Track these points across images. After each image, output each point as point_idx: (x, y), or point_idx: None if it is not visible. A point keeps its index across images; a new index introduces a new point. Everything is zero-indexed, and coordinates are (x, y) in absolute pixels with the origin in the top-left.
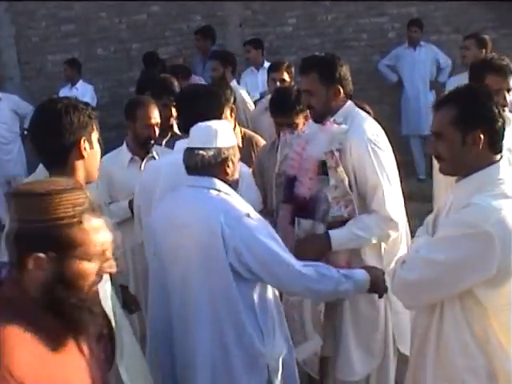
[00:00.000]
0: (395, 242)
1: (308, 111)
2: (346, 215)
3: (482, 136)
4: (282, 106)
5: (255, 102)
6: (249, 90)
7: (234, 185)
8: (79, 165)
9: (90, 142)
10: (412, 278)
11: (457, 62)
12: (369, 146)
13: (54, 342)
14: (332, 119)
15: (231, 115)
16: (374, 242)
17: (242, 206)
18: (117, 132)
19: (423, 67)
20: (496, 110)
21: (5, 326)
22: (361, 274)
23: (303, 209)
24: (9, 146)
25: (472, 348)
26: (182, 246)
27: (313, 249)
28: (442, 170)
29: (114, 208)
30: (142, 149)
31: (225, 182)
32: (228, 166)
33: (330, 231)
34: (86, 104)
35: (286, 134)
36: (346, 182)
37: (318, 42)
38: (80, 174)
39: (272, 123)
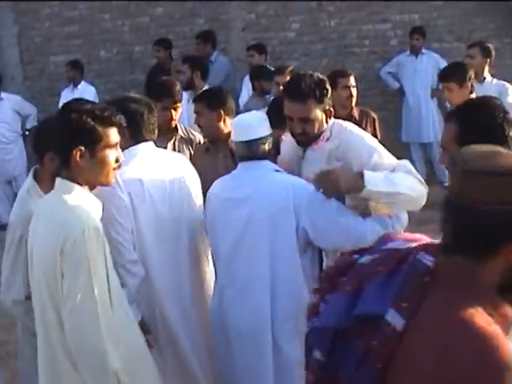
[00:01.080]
0: None
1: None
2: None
3: None
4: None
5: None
6: (250, 94)
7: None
8: (79, 172)
9: (92, 153)
10: None
11: None
12: (365, 140)
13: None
14: (321, 137)
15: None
16: (408, 193)
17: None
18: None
19: (425, 75)
20: (502, 125)
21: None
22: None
23: None
24: (10, 145)
25: None
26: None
27: (344, 179)
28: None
29: None
30: None
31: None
32: (271, 149)
33: (365, 170)
34: (105, 111)
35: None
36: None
37: (320, 47)
38: (81, 180)
39: None
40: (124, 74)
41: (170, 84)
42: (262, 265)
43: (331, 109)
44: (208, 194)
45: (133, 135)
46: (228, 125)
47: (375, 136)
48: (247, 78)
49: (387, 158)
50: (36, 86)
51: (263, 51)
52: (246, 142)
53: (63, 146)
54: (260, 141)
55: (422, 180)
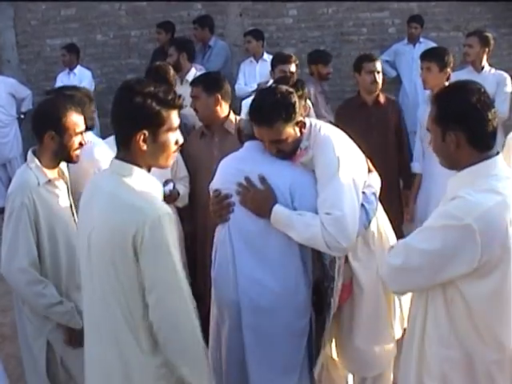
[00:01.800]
0: (383, 236)
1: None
2: None
3: (458, 134)
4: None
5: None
6: (247, 80)
7: None
8: (139, 155)
9: (155, 136)
10: (395, 263)
11: (456, 59)
12: (329, 158)
13: None
14: (299, 149)
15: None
16: (306, 243)
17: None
18: None
19: None
20: (477, 109)
21: None
22: None
23: None
24: (5, 129)
25: (451, 340)
26: None
27: (254, 205)
28: (440, 163)
29: None
30: None
31: None
32: None
33: (277, 206)
34: (168, 93)
35: None
36: None
37: (318, 34)
38: (142, 160)
39: None
40: (120, 58)
41: (164, 69)
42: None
43: (303, 120)
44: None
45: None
46: (224, 109)
47: (399, 127)
48: (243, 64)
49: (334, 197)
50: (32, 70)
51: (260, 37)
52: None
53: (124, 128)
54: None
55: (338, 237)
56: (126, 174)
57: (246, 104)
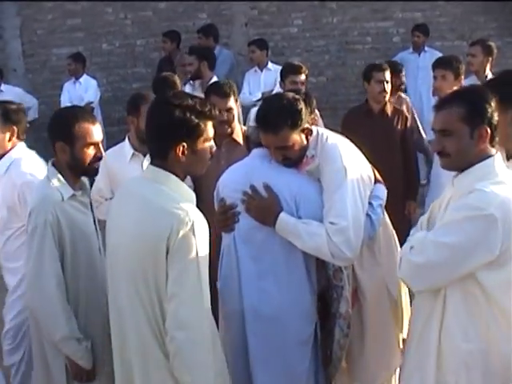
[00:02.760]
0: (390, 246)
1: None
2: None
3: (488, 131)
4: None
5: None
6: (251, 89)
7: None
8: (177, 164)
9: (193, 148)
10: (421, 260)
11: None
12: (334, 168)
13: None
14: (305, 157)
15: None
16: (311, 252)
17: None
18: (119, 127)
19: (426, 72)
20: (494, 108)
21: None
22: None
23: None
24: None
25: (471, 333)
26: None
27: (259, 213)
28: (445, 166)
29: None
30: (144, 145)
31: None
32: None
33: (283, 214)
34: (204, 105)
35: None
36: None
37: (322, 44)
38: (178, 170)
39: None
40: (126, 67)
41: (171, 80)
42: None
43: (309, 127)
44: (220, 186)
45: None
46: None
47: (405, 137)
48: (248, 73)
49: (339, 207)
50: (38, 79)
51: (264, 47)
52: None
53: (164, 140)
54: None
55: (342, 247)
56: (162, 181)
57: (253, 112)
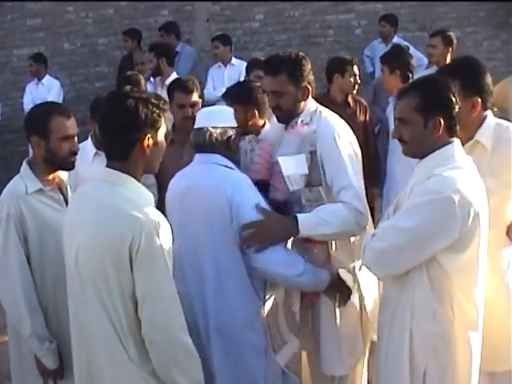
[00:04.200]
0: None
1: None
2: None
3: (441, 121)
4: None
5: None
6: (215, 85)
7: (236, 162)
8: (140, 160)
9: (155, 139)
10: (382, 246)
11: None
12: (339, 142)
13: None
14: (300, 120)
15: None
16: (341, 230)
17: (245, 179)
18: (83, 127)
19: None
20: (454, 99)
21: None
22: (324, 272)
23: (282, 211)
24: None
25: (439, 316)
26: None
27: (279, 229)
28: (404, 152)
29: None
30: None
31: (229, 158)
32: (231, 144)
33: (298, 214)
34: (158, 98)
35: (246, 138)
36: (322, 189)
37: (284, 37)
38: (139, 168)
39: None
40: (89, 66)
41: (135, 79)
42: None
43: (308, 87)
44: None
45: None
46: None
47: (367, 127)
48: (212, 69)
49: (346, 174)
50: None
51: (228, 42)
52: (197, 129)
53: (127, 136)
54: (207, 130)
55: (360, 208)
56: (121, 184)
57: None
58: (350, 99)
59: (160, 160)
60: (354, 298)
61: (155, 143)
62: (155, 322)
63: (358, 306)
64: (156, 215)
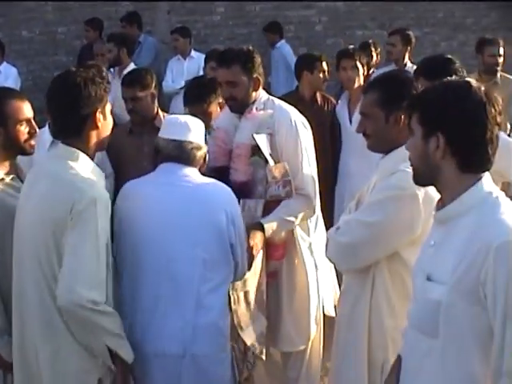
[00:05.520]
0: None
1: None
2: (283, 195)
3: (402, 116)
4: (196, 96)
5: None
6: (174, 77)
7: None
8: (93, 135)
9: (104, 114)
10: (345, 240)
11: (381, 56)
12: (296, 127)
13: None
14: (254, 107)
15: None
16: (299, 221)
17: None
18: (40, 116)
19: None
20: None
21: None
22: None
23: (245, 191)
24: None
25: (398, 309)
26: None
27: (258, 240)
28: (369, 147)
29: None
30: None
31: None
32: (205, 160)
33: (263, 220)
34: (102, 77)
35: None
36: (286, 165)
37: (245, 31)
38: (92, 143)
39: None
40: (47, 55)
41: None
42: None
43: (259, 78)
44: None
45: None
46: (155, 106)
47: (333, 124)
48: (171, 61)
49: (300, 158)
50: None
51: (187, 35)
52: (180, 141)
53: (78, 112)
54: (194, 145)
55: (312, 196)
56: (73, 158)
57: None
58: (318, 95)
59: (108, 137)
60: (304, 273)
61: (105, 118)
62: (62, 281)
63: (308, 280)
64: (99, 190)
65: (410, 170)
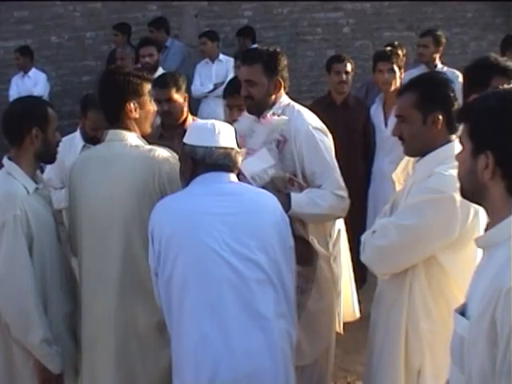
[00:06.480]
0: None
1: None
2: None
3: (440, 117)
4: (236, 88)
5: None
6: (202, 81)
7: None
8: (131, 122)
9: (141, 104)
10: (382, 243)
11: (409, 57)
12: (315, 133)
13: None
14: (271, 112)
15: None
16: (328, 213)
17: None
18: (69, 121)
19: None
20: (452, 95)
21: None
22: None
23: None
24: None
25: (434, 314)
26: None
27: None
28: (404, 151)
29: (65, 194)
30: (94, 137)
31: None
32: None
33: (292, 192)
34: (139, 69)
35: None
36: (289, 175)
37: (273, 34)
38: (133, 129)
39: None
40: (75, 60)
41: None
42: None
43: (281, 81)
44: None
45: None
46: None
47: (366, 128)
48: (199, 65)
49: (325, 163)
50: None
51: (215, 38)
52: (226, 148)
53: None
54: (237, 151)
55: (344, 195)
56: (125, 139)
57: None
58: (349, 99)
59: (149, 123)
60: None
61: (141, 107)
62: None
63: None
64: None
65: (447, 172)
